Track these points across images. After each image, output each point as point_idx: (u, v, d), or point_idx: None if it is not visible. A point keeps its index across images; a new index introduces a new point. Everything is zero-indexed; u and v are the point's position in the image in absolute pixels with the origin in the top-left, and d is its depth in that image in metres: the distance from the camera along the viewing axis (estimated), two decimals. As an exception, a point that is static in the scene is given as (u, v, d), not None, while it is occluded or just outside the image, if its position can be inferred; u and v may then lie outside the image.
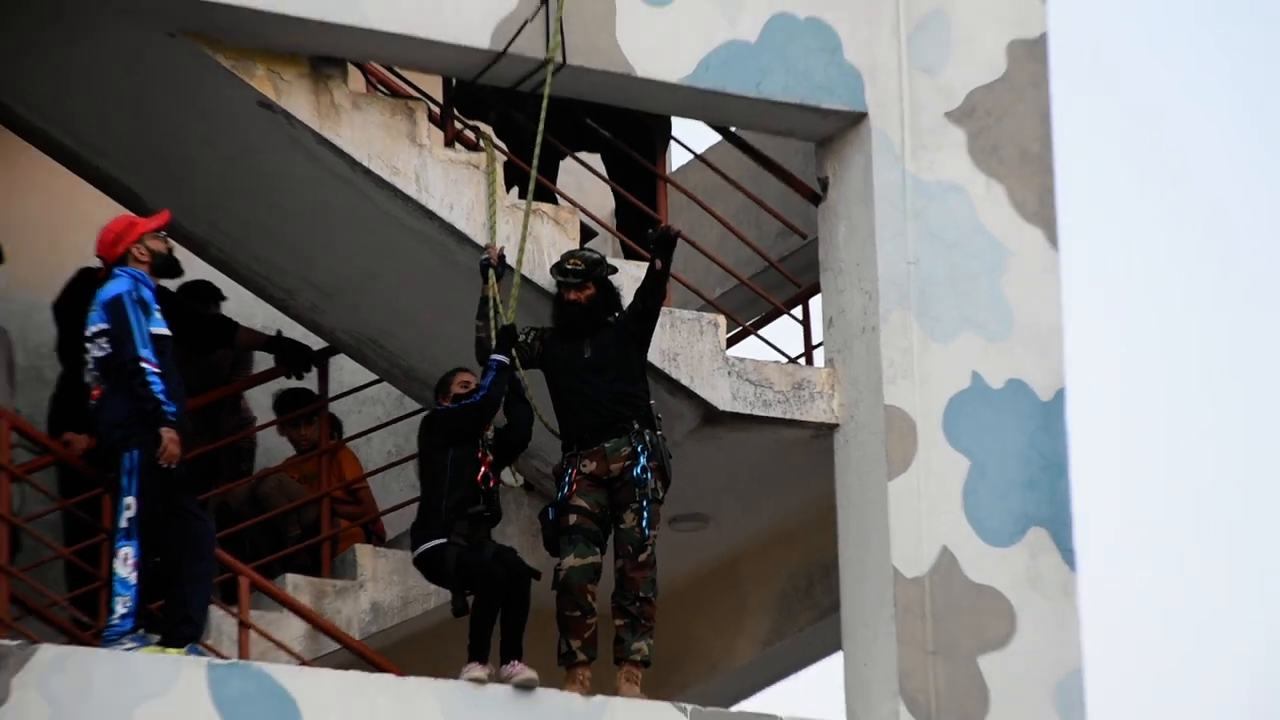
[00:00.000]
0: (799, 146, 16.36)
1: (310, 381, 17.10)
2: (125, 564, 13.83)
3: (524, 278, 15.13)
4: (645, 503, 14.80)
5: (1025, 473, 15.72)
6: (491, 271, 14.63)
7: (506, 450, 14.92)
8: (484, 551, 14.84)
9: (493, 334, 14.73)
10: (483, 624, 14.99)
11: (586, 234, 15.62)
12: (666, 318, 15.41)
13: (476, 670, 14.76)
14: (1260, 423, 46.30)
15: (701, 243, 16.80)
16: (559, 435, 14.87)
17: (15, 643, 13.62)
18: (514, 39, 15.05)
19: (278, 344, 16.61)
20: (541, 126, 15.58)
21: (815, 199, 15.78)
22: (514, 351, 14.78)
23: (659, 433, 14.83)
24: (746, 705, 17.47)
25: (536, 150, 15.60)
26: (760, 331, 16.90)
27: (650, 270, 14.52)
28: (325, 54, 14.70)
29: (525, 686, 14.67)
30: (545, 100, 15.44)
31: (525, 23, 14.96)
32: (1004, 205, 15.79)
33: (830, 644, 16.32)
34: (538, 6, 14.91)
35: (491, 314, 14.73)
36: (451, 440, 14.72)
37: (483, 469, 14.67)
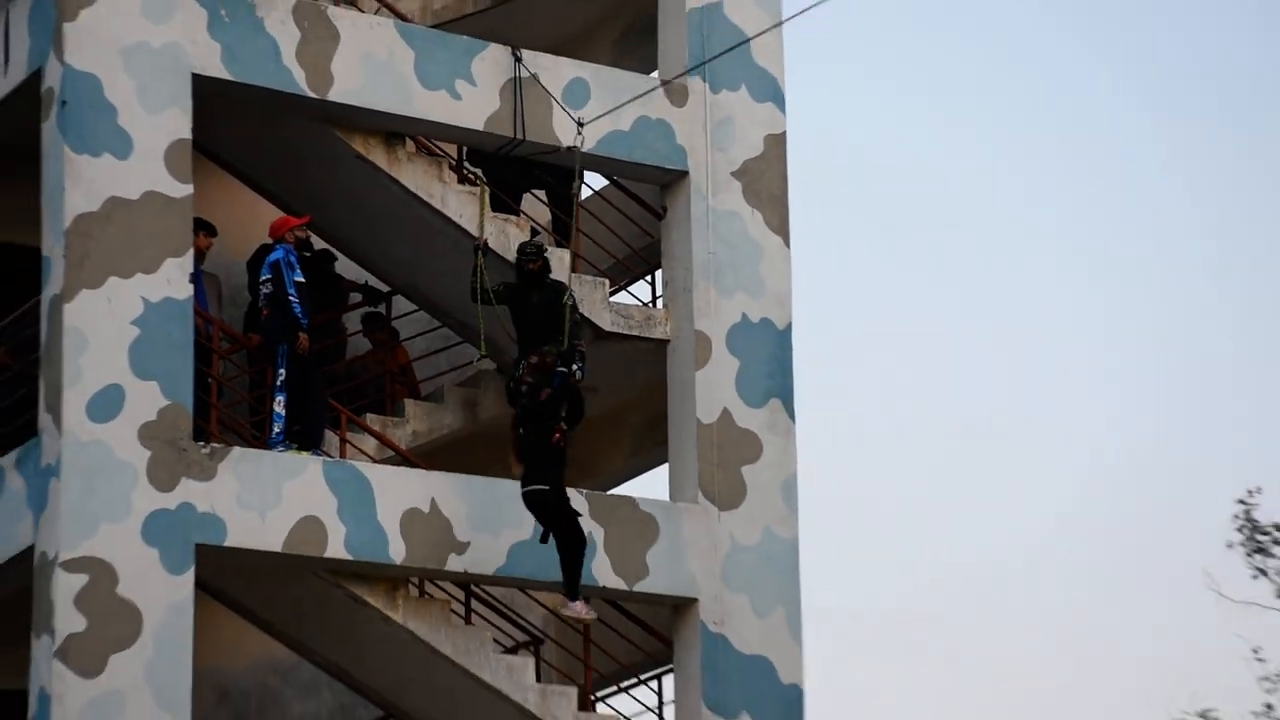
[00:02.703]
0: (653, 188, 18.61)
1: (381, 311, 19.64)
2: (279, 405, 16.81)
3: (492, 252, 17.19)
4: (561, 380, 16.71)
5: (768, 369, 18.04)
6: (479, 251, 17.00)
7: (571, 422, 16.33)
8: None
9: (477, 286, 16.73)
10: (574, 564, 16.27)
11: (534, 232, 17.89)
12: (578, 281, 17.66)
13: (581, 609, 16.46)
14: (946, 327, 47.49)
15: (599, 240, 19.17)
16: (517, 342, 17.04)
17: (220, 445, 16.27)
18: (513, 141, 17.42)
19: (364, 288, 19.33)
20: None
21: (659, 216, 18.50)
22: (492, 296, 16.84)
23: (580, 344, 16.91)
24: (615, 491, 19.26)
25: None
26: (629, 289, 19.71)
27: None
28: (396, 131, 17.43)
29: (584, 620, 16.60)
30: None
31: (516, 137, 17.32)
32: (760, 224, 18.26)
33: (662, 458, 18.57)
34: (514, 118, 17.39)
35: (478, 273, 16.84)
36: (552, 418, 16.17)
37: (557, 434, 16.13)
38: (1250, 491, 27.04)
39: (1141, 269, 52.18)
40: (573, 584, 16.27)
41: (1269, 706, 27.23)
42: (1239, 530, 27.04)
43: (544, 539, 16.14)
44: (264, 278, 17.08)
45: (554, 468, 16.10)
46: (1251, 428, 48.64)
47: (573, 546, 16.25)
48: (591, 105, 17.82)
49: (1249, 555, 26.91)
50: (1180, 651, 41.84)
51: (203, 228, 17.21)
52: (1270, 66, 48.30)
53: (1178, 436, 49.21)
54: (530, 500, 16.17)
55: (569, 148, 17.24)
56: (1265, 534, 26.92)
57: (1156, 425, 49.36)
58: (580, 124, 17.30)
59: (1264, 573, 26.83)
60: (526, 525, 16.95)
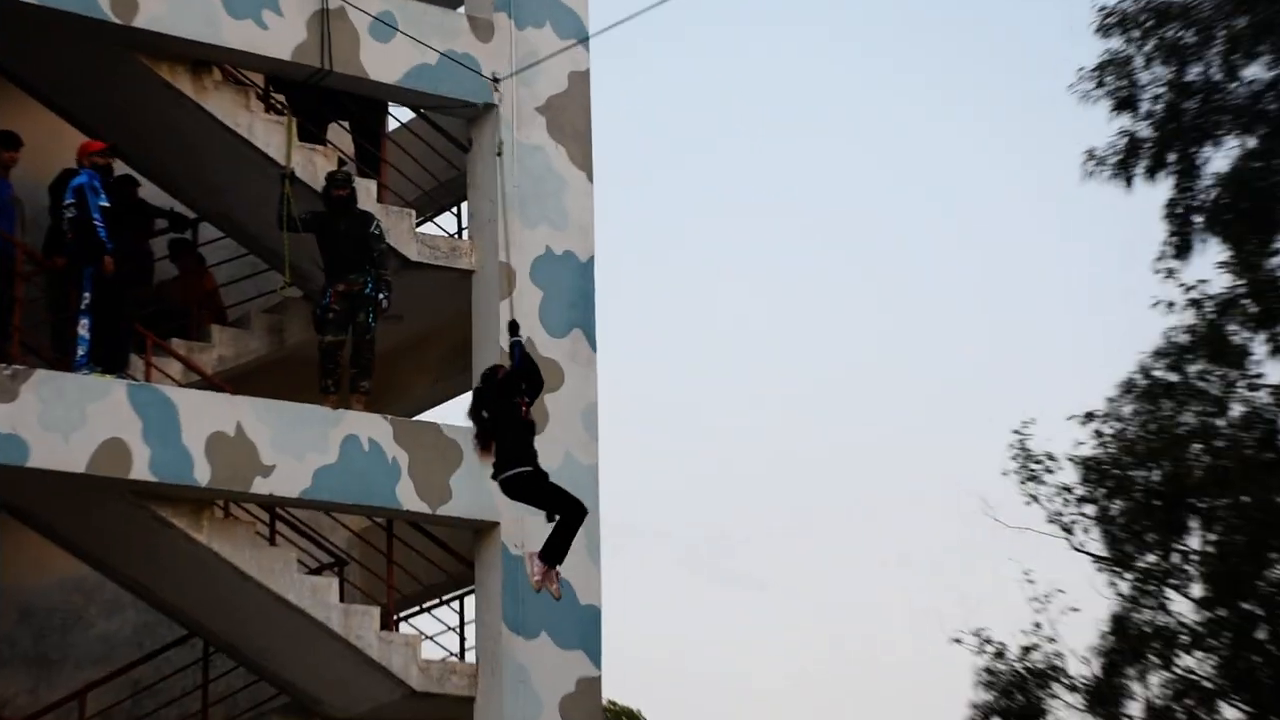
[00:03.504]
0: (459, 121, 18.39)
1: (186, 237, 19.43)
2: (84, 328, 16.46)
3: (299, 181, 17.15)
4: (371, 309, 17.21)
5: (571, 299, 18.02)
6: (285, 180, 17.03)
7: (533, 394, 14.76)
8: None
9: (284, 212, 16.80)
10: (568, 534, 14.65)
11: (340, 162, 17.84)
12: (384, 211, 17.62)
13: (551, 578, 14.74)
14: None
15: (406, 172, 19.00)
16: (324, 269, 17.23)
17: (23, 367, 15.98)
18: (320, 71, 17.14)
19: (171, 213, 19.05)
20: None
21: (465, 149, 18.32)
22: (299, 223, 16.89)
23: (385, 273, 17.21)
24: (420, 417, 19.20)
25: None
26: (435, 220, 19.44)
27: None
28: (203, 60, 17.08)
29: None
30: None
31: (323, 67, 17.05)
32: (564, 158, 18.22)
33: (466, 386, 17.68)
34: (320, 44, 17.10)
35: (285, 201, 16.92)
36: (511, 394, 14.60)
37: (523, 407, 14.66)
38: (1024, 423, 27.54)
39: (929, 221, 53.24)
40: (559, 554, 14.84)
41: (1038, 625, 27.65)
42: (1014, 459, 27.44)
43: (550, 517, 14.77)
44: (67, 201, 16.79)
45: (527, 447, 14.71)
46: (1026, 365, 49.93)
47: (573, 519, 14.79)
48: (399, 40, 17.61)
49: (1023, 483, 27.28)
50: (960, 574, 42.76)
51: (6, 143, 16.85)
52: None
53: (959, 373, 50.45)
54: (509, 486, 14.75)
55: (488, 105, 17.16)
56: (1038, 463, 27.35)
57: (939, 366, 50.56)
58: (495, 79, 17.30)
59: (1036, 499, 27.19)
60: (331, 450, 16.85)
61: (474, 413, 14.81)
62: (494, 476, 14.70)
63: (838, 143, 52.70)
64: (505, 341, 16.32)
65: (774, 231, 51.57)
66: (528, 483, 14.63)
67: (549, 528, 15.99)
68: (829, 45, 54.50)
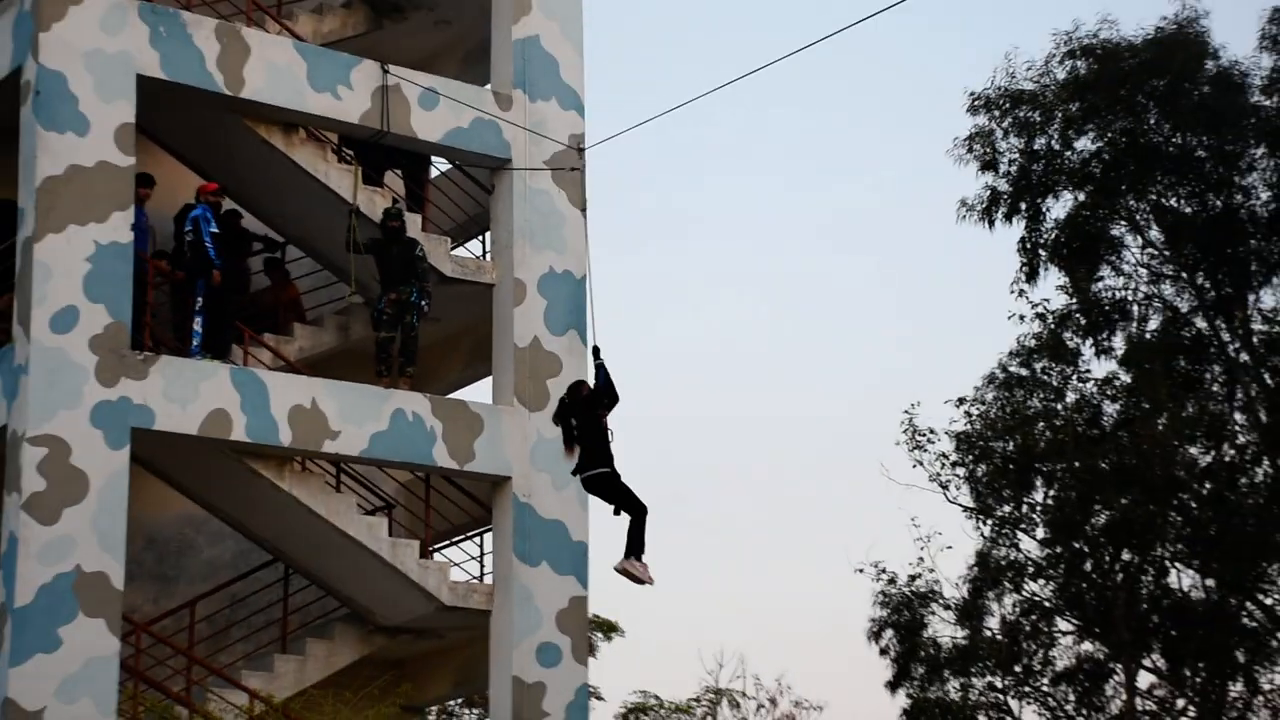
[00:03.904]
0: (484, 171, 18.14)
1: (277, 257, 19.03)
2: (198, 324, 16.50)
3: (363, 215, 17.05)
4: (416, 315, 17.08)
5: (567, 307, 17.64)
6: (352, 214, 17.03)
7: (610, 406, 13.87)
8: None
9: (350, 238, 16.69)
10: (639, 530, 13.55)
11: (394, 201, 17.81)
12: (426, 238, 17.33)
13: (637, 566, 13.54)
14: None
15: (443, 209, 18.95)
16: (379, 283, 17.02)
17: (151, 354, 15.92)
18: (380, 132, 16.90)
19: (265, 239, 18.76)
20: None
21: (489, 191, 18.03)
22: (362, 247, 16.71)
23: (427, 285, 17.12)
24: (452, 396, 18.60)
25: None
26: (465, 245, 19.12)
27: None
28: (292, 123, 16.98)
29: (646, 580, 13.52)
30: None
31: (382, 129, 16.78)
32: (564, 200, 17.76)
33: (487, 372, 18.11)
34: (381, 111, 16.91)
35: (351, 230, 16.95)
36: (595, 407, 13.77)
37: (603, 415, 13.81)
38: (913, 404, 27.66)
39: (841, 250, 53.23)
40: (639, 547, 13.66)
41: (921, 559, 27.88)
42: (904, 432, 27.62)
43: (616, 513, 13.74)
44: (186, 229, 16.81)
45: (605, 450, 13.72)
46: (915, 362, 50.19)
47: (638, 516, 13.69)
48: (441, 108, 17.47)
49: (911, 451, 27.43)
50: (862, 521, 42.78)
51: (143, 182, 16.77)
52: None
53: (865, 366, 50.66)
54: (589, 483, 13.82)
55: (573, 168, 16.77)
56: (922, 435, 27.51)
57: (848, 362, 50.72)
58: (581, 149, 16.77)
59: (921, 463, 27.34)
60: (384, 420, 16.69)
61: (559, 418, 13.97)
62: (576, 473, 13.83)
63: (773, 181, 52.88)
64: (587, 360, 16.17)
65: (719, 254, 51.71)
66: (605, 481, 13.72)
67: (549, 480, 16.36)
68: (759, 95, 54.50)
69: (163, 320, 17.20)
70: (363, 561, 17.09)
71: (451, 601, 17.19)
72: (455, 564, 18.35)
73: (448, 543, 19.18)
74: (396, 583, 17.17)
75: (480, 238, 19.36)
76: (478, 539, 18.79)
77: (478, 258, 18.61)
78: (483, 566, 18.49)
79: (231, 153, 17.48)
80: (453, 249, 18.35)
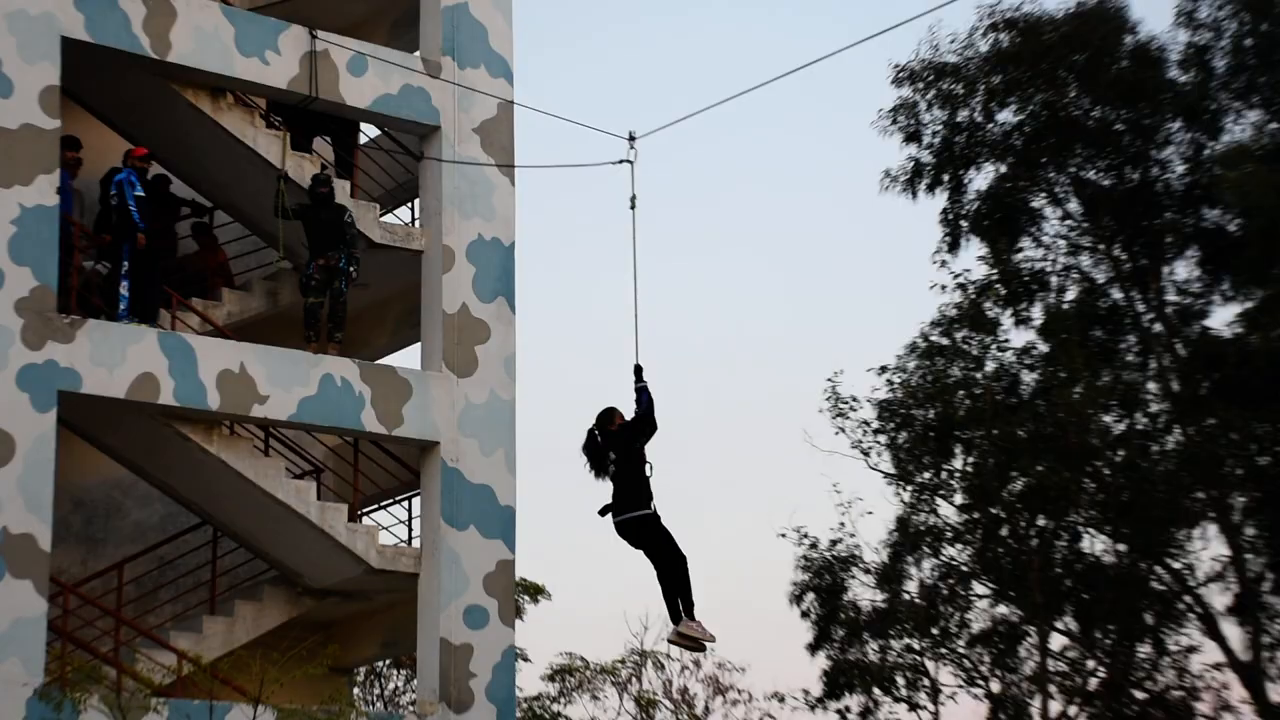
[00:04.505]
0: (413, 137, 17.90)
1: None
2: (124, 288, 16.33)
3: (291, 180, 16.82)
4: (344, 280, 16.93)
5: (496, 274, 17.62)
6: (280, 179, 16.73)
7: (647, 437, 12.07)
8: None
9: (279, 204, 16.46)
10: (685, 585, 11.72)
11: (322, 167, 17.51)
12: (354, 205, 17.13)
13: (695, 628, 11.71)
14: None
15: (372, 175, 18.60)
16: (308, 248, 16.89)
17: (78, 317, 15.70)
18: (308, 98, 16.69)
19: (192, 203, 18.54)
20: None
21: (418, 158, 17.87)
22: (290, 213, 16.48)
23: (355, 251, 16.95)
24: (381, 361, 18.67)
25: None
26: (394, 212, 19.07)
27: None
28: (219, 87, 16.80)
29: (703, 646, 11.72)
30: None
31: (311, 95, 16.60)
32: (495, 169, 17.75)
33: (416, 338, 18.27)
34: (309, 77, 16.68)
35: (280, 195, 16.66)
36: (635, 439, 11.94)
37: (643, 454, 11.99)
38: (835, 373, 28.12)
39: (775, 219, 53.26)
40: (688, 605, 11.93)
41: (842, 524, 27.84)
42: (827, 400, 27.69)
43: (653, 562, 11.97)
44: (112, 193, 16.62)
45: (645, 488, 11.93)
46: (837, 331, 50.27)
47: (681, 570, 11.92)
48: (369, 74, 17.28)
49: (833, 418, 27.50)
50: (785, 487, 42.95)
51: (69, 145, 16.52)
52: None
53: (790, 337, 50.72)
54: (624, 528, 11.99)
55: (623, 160, 13.52)
56: (845, 403, 27.59)
57: (777, 332, 50.75)
58: (632, 138, 13.42)
59: (843, 430, 27.42)
60: (313, 384, 16.55)
61: (586, 447, 12.13)
62: (604, 513, 11.92)
63: (726, 145, 52.64)
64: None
65: (661, 226, 51.45)
66: (643, 525, 11.85)
67: (476, 446, 15.96)
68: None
69: (89, 284, 17.01)
70: (291, 525, 17.00)
71: (380, 564, 17.13)
72: (383, 528, 18.31)
73: (376, 506, 19.13)
74: (325, 546, 17.09)
75: (409, 204, 19.21)
76: (406, 503, 18.71)
77: (406, 224, 18.48)
78: (411, 530, 18.45)
79: (159, 117, 17.25)
80: (381, 215, 18.22)
